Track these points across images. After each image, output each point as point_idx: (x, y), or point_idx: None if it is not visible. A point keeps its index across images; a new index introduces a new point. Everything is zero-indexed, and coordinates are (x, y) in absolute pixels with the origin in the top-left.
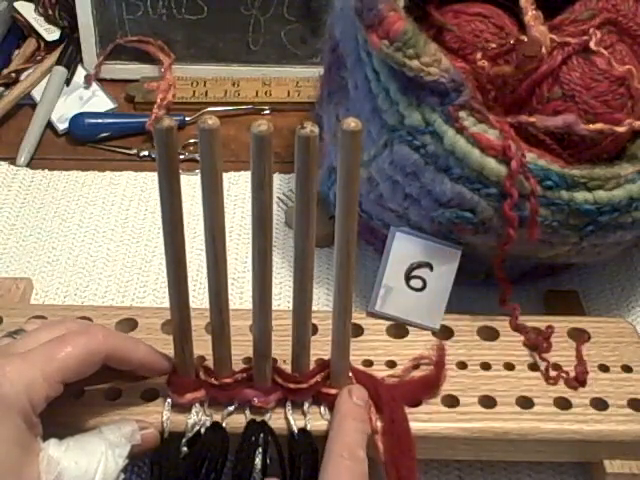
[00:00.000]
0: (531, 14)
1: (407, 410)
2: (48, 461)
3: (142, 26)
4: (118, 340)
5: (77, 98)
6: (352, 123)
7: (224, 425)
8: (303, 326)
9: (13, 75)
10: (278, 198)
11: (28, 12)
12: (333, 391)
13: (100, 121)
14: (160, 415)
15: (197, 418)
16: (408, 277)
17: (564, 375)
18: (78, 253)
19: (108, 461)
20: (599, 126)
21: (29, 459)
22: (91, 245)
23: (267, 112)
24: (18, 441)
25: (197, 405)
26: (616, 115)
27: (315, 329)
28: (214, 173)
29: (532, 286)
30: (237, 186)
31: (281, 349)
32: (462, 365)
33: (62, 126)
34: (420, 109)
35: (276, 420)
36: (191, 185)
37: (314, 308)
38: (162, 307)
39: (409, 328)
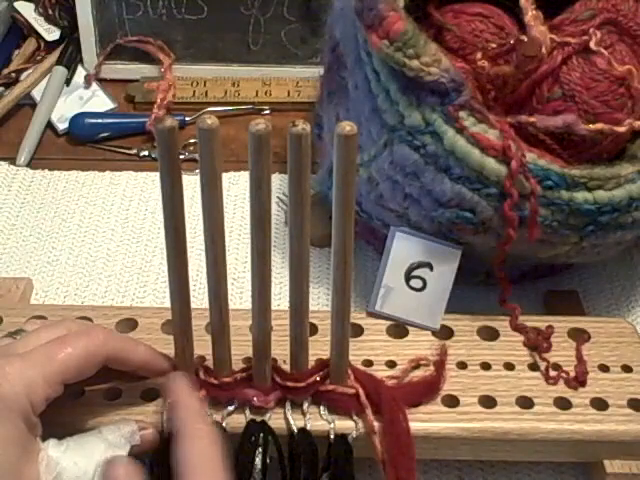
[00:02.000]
0: (531, 14)
1: (407, 410)
2: (48, 461)
3: (142, 26)
4: (118, 341)
5: (77, 98)
6: (347, 127)
7: (224, 425)
8: (300, 325)
9: (13, 75)
10: (278, 198)
11: (28, 12)
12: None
13: (100, 121)
14: (160, 415)
15: None
16: (408, 277)
17: (564, 375)
18: (78, 253)
19: None
20: (599, 126)
21: (29, 459)
22: (91, 245)
23: (267, 112)
24: (18, 441)
25: None
26: (616, 115)
27: (315, 329)
28: (213, 173)
29: (532, 286)
30: (237, 186)
31: (281, 349)
32: (462, 365)
33: (62, 126)
34: (420, 109)
35: (276, 420)
36: (191, 185)
37: (314, 308)
38: (162, 307)
39: (409, 328)
